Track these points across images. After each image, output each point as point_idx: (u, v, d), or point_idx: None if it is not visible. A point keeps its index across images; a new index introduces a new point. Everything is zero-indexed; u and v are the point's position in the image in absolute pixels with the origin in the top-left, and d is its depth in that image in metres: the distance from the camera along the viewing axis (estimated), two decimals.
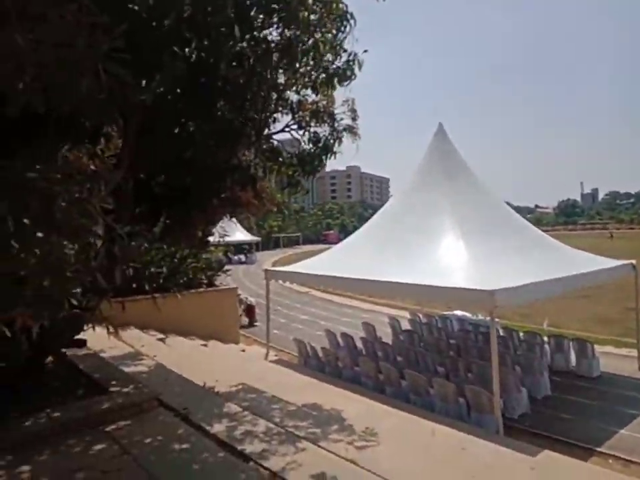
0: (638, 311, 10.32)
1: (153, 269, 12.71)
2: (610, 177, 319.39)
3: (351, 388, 7.97)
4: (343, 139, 6.74)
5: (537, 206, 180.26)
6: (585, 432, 7.18)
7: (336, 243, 14.40)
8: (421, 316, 13.45)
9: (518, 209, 17.62)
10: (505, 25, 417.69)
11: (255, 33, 5.14)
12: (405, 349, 10.26)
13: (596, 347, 10.14)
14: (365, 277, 8.95)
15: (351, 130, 6.88)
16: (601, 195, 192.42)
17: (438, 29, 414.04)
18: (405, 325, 12.85)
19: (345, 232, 59.47)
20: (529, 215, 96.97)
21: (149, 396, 5.40)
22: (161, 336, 11.15)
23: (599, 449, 6.63)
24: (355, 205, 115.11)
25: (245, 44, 5.10)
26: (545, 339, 10.58)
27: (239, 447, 4.60)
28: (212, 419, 5.36)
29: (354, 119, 6.95)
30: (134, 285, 11.88)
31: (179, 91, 5.20)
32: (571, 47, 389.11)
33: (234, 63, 5.13)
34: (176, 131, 5.48)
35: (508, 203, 12.64)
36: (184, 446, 4.36)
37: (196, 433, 4.75)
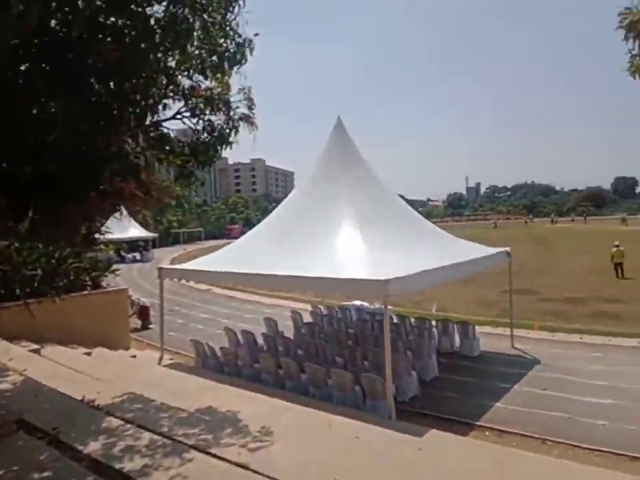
0: (511, 293, 11.55)
1: (25, 271, 11.22)
2: (490, 172, 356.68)
3: (250, 387, 7.74)
4: (240, 129, 6.49)
5: (428, 199, 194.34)
6: (467, 408, 7.79)
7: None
8: (322, 308, 13.64)
9: (411, 203, 18.63)
10: (405, 22, 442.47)
11: (133, 6, 4.65)
12: (306, 342, 10.29)
13: (477, 327, 11.13)
14: (264, 272, 8.73)
15: (247, 119, 6.60)
16: (482, 189, 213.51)
17: (335, 20, 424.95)
18: (307, 318, 12.93)
19: (250, 226, 58.25)
20: (421, 208, 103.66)
21: (7, 418, 4.64)
22: (36, 346, 9.85)
23: (477, 423, 7.24)
24: (260, 198, 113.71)
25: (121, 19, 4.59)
26: (434, 323, 11.36)
27: (117, 466, 4.14)
28: (87, 437, 4.78)
29: (250, 108, 6.68)
30: (2, 290, 10.35)
31: (45, 67, 4.51)
32: (465, 39, 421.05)
33: (109, 39, 4.59)
34: (34, 111, 4.74)
35: (402, 197, 13.27)
36: (46, 474, 3.78)
37: (63, 456, 4.17)
